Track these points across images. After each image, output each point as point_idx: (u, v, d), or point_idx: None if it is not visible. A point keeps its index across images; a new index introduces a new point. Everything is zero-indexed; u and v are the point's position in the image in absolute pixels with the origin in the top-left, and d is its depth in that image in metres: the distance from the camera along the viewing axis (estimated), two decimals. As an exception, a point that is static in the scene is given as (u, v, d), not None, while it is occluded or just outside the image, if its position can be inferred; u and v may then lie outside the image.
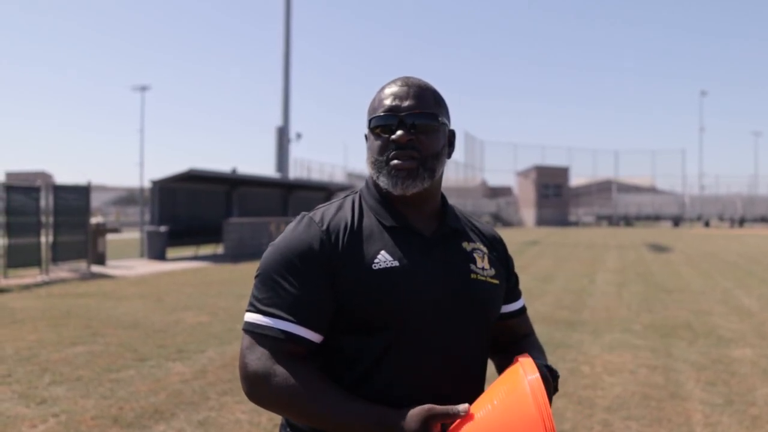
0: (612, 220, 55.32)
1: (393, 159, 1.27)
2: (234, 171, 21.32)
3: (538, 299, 9.63)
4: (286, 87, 29.57)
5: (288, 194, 24.57)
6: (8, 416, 4.20)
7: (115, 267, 15.01)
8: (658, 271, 14.47)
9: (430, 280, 1.25)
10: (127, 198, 74.23)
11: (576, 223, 55.33)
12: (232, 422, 4.13)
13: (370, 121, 1.32)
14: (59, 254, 13.40)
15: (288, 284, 1.22)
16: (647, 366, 5.67)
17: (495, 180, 65.26)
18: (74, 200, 14.01)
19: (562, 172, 57.46)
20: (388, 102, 1.29)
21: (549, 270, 14.58)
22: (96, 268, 14.22)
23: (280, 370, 1.17)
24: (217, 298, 9.69)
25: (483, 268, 1.34)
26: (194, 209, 19.11)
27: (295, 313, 1.20)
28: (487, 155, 61.20)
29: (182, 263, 16.17)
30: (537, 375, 1.10)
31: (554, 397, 1.44)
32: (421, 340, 1.23)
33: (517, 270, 1.52)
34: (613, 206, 56.95)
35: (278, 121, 29.91)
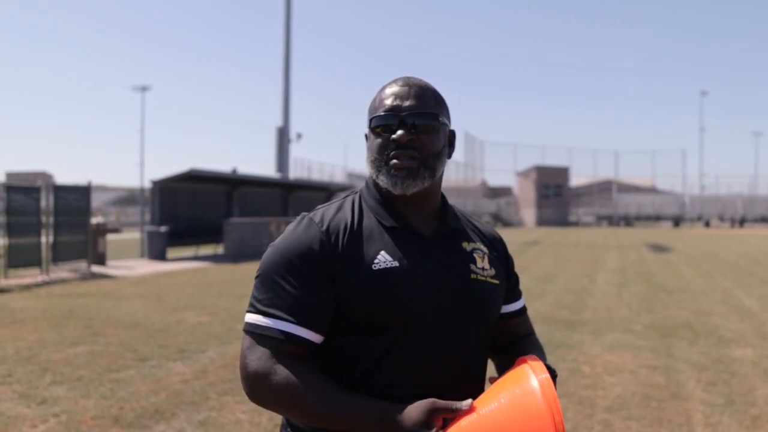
0: (612, 220, 55.31)
1: (393, 158, 1.27)
2: (234, 171, 21.33)
3: (538, 299, 9.63)
4: (286, 87, 29.58)
5: (288, 194, 24.57)
6: (9, 416, 4.20)
7: (115, 267, 15.02)
8: (659, 272, 14.46)
9: (430, 280, 1.25)
10: (128, 198, 74.25)
11: (576, 224, 55.32)
12: (232, 422, 4.13)
13: (370, 120, 1.32)
14: (59, 254, 13.40)
15: (288, 285, 1.22)
16: (648, 366, 5.67)
17: (495, 180, 65.31)
18: (74, 200, 14.02)
19: (563, 172, 57.46)
20: (389, 102, 1.29)
21: (549, 270, 14.57)
22: (96, 268, 14.22)
23: (280, 370, 1.17)
24: (217, 298, 9.69)
25: (483, 268, 1.34)
26: (195, 209, 19.12)
27: (295, 314, 1.20)
28: (487, 155, 61.20)
29: (183, 263, 16.18)
30: (547, 375, 1.10)
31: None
32: (421, 341, 1.23)
33: (517, 270, 1.52)
34: (613, 206, 56.94)
35: (278, 121, 29.94)
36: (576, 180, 60.24)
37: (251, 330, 1.22)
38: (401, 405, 1.14)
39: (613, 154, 74.57)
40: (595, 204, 58.78)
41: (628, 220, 54.89)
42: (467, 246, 1.36)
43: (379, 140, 1.29)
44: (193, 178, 18.31)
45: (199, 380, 5.07)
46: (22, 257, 12.21)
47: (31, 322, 7.58)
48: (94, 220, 15.99)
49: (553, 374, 1.27)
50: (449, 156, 1.36)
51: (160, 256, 17.00)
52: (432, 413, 1.10)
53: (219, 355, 5.94)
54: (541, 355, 1.42)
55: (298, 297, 1.21)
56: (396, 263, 1.24)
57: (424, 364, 1.23)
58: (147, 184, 27.69)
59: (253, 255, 16.95)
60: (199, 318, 7.92)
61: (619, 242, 27.24)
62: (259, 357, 1.19)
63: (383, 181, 1.28)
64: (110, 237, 20.66)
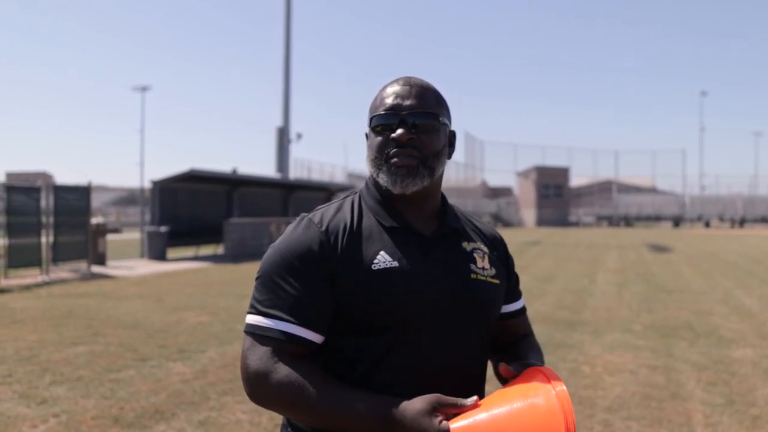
0: (612, 221, 55.30)
1: (393, 157, 1.27)
2: (234, 171, 21.34)
3: (538, 299, 9.62)
4: (286, 87, 29.57)
5: (288, 194, 24.57)
6: (9, 416, 4.20)
7: (115, 267, 15.02)
8: (659, 272, 14.46)
9: (430, 280, 1.25)
10: (128, 198, 74.27)
11: (576, 224, 55.32)
12: (232, 422, 4.13)
13: (371, 119, 1.32)
14: (60, 254, 13.40)
15: (288, 286, 1.22)
16: (648, 366, 5.67)
17: (495, 180, 65.36)
18: (75, 200, 14.02)
19: (563, 173, 57.46)
20: (389, 101, 1.29)
21: (549, 270, 14.57)
22: (96, 269, 14.22)
23: (281, 369, 1.18)
24: (217, 299, 9.69)
25: (483, 268, 1.34)
26: (195, 209, 19.12)
27: (295, 314, 1.21)
28: (487, 155, 61.18)
29: (183, 263, 16.18)
30: (564, 387, 1.09)
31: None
32: (421, 341, 1.23)
33: (517, 270, 1.52)
34: (613, 206, 56.93)
35: (278, 122, 29.92)
36: (576, 180, 60.27)
37: (252, 331, 1.22)
38: (403, 399, 1.14)
39: (613, 154, 74.68)
40: (595, 204, 58.79)
41: (628, 221, 54.88)
42: (467, 246, 1.36)
43: (379, 139, 1.29)
44: (193, 178, 18.31)
45: (199, 380, 5.07)
46: (22, 257, 12.21)
47: (31, 322, 7.59)
48: (94, 220, 16.00)
49: None
50: (449, 156, 1.36)
51: (160, 257, 17.00)
52: (436, 406, 1.11)
53: (219, 355, 5.94)
54: (540, 357, 1.42)
55: (299, 298, 1.21)
56: (395, 263, 1.24)
57: (424, 364, 1.23)
58: (147, 184, 27.74)
59: (253, 255, 16.95)
60: (199, 318, 7.93)
61: (619, 242, 27.24)
62: (260, 357, 1.19)
63: (383, 179, 1.29)
64: (110, 237, 20.66)
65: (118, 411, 4.31)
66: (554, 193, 56.44)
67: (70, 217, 13.78)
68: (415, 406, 1.11)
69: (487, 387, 1.33)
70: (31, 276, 12.38)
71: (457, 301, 1.27)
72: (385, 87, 1.34)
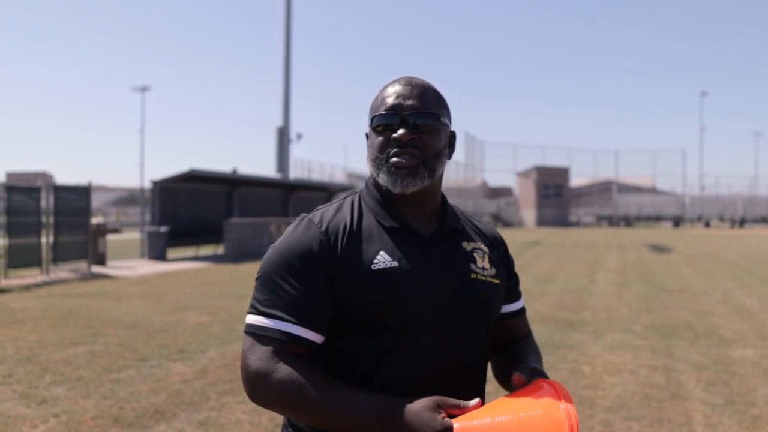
0: (612, 221, 55.30)
1: (394, 157, 1.27)
2: (235, 171, 21.34)
3: (538, 299, 9.62)
4: (286, 87, 29.57)
5: (288, 194, 24.57)
6: (9, 416, 4.20)
7: (115, 267, 15.02)
8: (659, 272, 14.46)
9: (430, 280, 1.25)
10: (128, 198, 74.27)
11: (576, 224, 55.31)
12: (232, 422, 4.13)
13: (372, 119, 1.31)
14: (60, 254, 13.40)
15: (288, 286, 1.22)
16: (648, 366, 5.67)
17: (495, 180, 65.36)
18: (75, 200, 14.02)
19: (563, 173, 57.45)
20: (390, 100, 1.29)
21: (549, 270, 14.57)
22: (96, 269, 14.22)
23: (281, 369, 1.18)
24: (217, 299, 9.69)
25: (483, 268, 1.34)
26: (195, 209, 19.12)
27: (295, 314, 1.21)
28: (488, 155, 61.22)
29: (183, 263, 16.18)
30: (572, 405, 1.07)
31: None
32: (421, 341, 1.23)
33: (517, 270, 1.52)
34: (613, 206, 56.93)
35: (278, 122, 29.91)
36: (576, 180, 60.27)
37: (252, 331, 1.22)
38: (404, 398, 1.14)
39: (613, 154, 74.64)
40: (595, 204, 58.78)
41: (628, 221, 54.88)
42: (467, 246, 1.36)
43: (380, 139, 1.29)
44: (193, 178, 18.31)
45: (200, 380, 5.07)
46: (22, 257, 12.21)
47: (31, 322, 7.59)
48: (95, 220, 16.00)
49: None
50: (449, 157, 1.36)
51: (161, 257, 17.00)
52: (440, 404, 1.11)
53: (219, 355, 5.94)
54: (539, 359, 1.42)
55: (299, 298, 1.21)
56: (395, 263, 1.24)
57: (423, 364, 1.23)
58: (147, 185, 27.72)
59: (253, 255, 16.95)
60: (200, 318, 7.93)
61: (619, 242, 27.24)
62: (260, 357, 1.19)
63: (383, 179, 1.28)
64: (110, 237, 20.66)
65: (118, 411, 4.31)
66: (554, 193, 56.44)
67: (70, 217, 13.78)
68: (417, 404, 1.12)
69: (487, 387, 1.33)
70: (31, 276, 12.38)
71: (457, 301, 1.27)
72: (386, 87, 1.33)
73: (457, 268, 1.30)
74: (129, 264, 15.98)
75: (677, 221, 52.69)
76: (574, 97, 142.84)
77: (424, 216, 1.34)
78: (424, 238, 1.30)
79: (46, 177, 57.86)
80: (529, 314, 1.57)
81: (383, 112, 1.29)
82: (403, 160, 1.26)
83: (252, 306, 1.25)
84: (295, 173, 38.53)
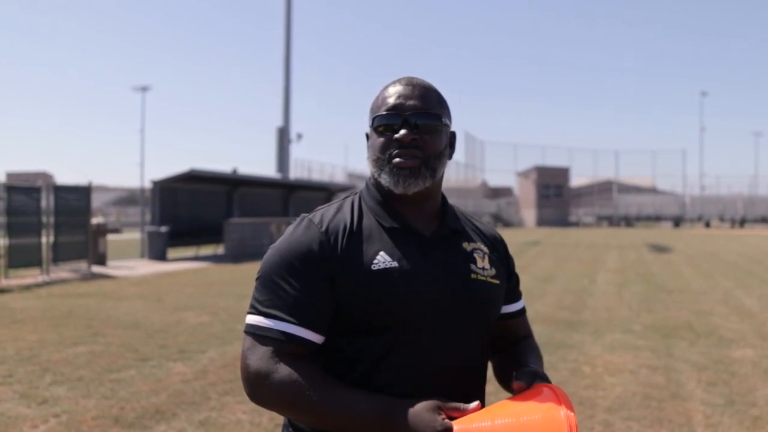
0: (612, 221, 55.29)
1: (395, 157, 1.27)
2: (235, 171, 21.34)
3: (538, 299, 9.62)
4: (286, 87, 29.56)
5: (289, 195, 24.57)
6: (9, 416, 4.20)
7: (115, 267, 15.02)
8: (659, 272, 14.46)
9: (430, 281, 1.25)
10: (128, 198, 74.29)
11: (576, 224, 55.30)
12: (233, 422, 4.13)
13: (373, 119, 1.31)
14: (60, 254, 13.40)
15: (288, 286, 1.22)
16: (648, 366, 5.67)
17: (495, 180, 65.38)
18: (75, 200, 14.02)
19: (563, 173, 57.44)
20: (392, 101, 1.29)
21: (549, 270, 14.57)
22: (97, 269, 14.22)
23: (281, 369, 1.18)
24: (217, 299, 9.69)
25: (483, 268, 1.34)
26: (195, 209, 19.12)
27: (295, 315, 1.21)
28: (488, 155, 61.09)
29: (183, 263, 16.18)
30: (573, 412, 1.07)
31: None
32: (421, 341, 1.23)
33: (517, 270, 1.52)
34: (613, 207, 56.91)
35: (279, 122, 29.91)
36: (576, 180, 60.24)
37: (252, 331, 1.22)
38: (404, 399, 1.15)
39: (613, 154, 74.51)
40: (595, 204, 58.77)
41: (628, 221, 54.86)
42: (467, 246, 1.36)
43: (381, 139, 1.29)
44: (193, 178, 18.31)
45: (200, 380, 5.07)
46: (22, 257, 12.21)
47: (31, 322, 7.59)
48: (95, 220, 15.99)
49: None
50: (450, 157, 1.36)
51: (161, 257, 17.00)
52: (440, 406, 1.12)
53: (219, 355, 5.94)
54: (539, 360, 1.42)
55: (299, 298, 1.21)
56: (395, 263, 1.24)
57: (424, 364, 1.23)
58: (147, 185, 27.72)
59: (253, 255, 16.95)
60: (200, 318, 7.93)
61: (619, 242, 27.24)
62: (260, 357, 1.20)
63: (385, 179, 1.28)
64: (110, 237, 20.67)
65: (118, 411, 4.31)
66: (554, 193, 56.42)
67: (70, 217, 13.78)
68: (417, 405, 1.12)
69: (488, 387, 1.33)
70: (31, 276, 12.39)
71: (457, 302, 1.27)
72: (387, 87, 1.33)
73: (457, 268, 1.30)
74: (129, 264, 15.99)
75: (677, 221, 52.67)
76: (574, 97, 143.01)
77: (424, 216, 1.34)
78: (425, 238, 1.30)
79: (46, 177, 57.87)
80: (530, 314, 1.57)
81: (385, 113, 1.29)
82: (405, 161, 1.26)
83: (252, 306, 1.25)
84: (295, 173, 38.53)
